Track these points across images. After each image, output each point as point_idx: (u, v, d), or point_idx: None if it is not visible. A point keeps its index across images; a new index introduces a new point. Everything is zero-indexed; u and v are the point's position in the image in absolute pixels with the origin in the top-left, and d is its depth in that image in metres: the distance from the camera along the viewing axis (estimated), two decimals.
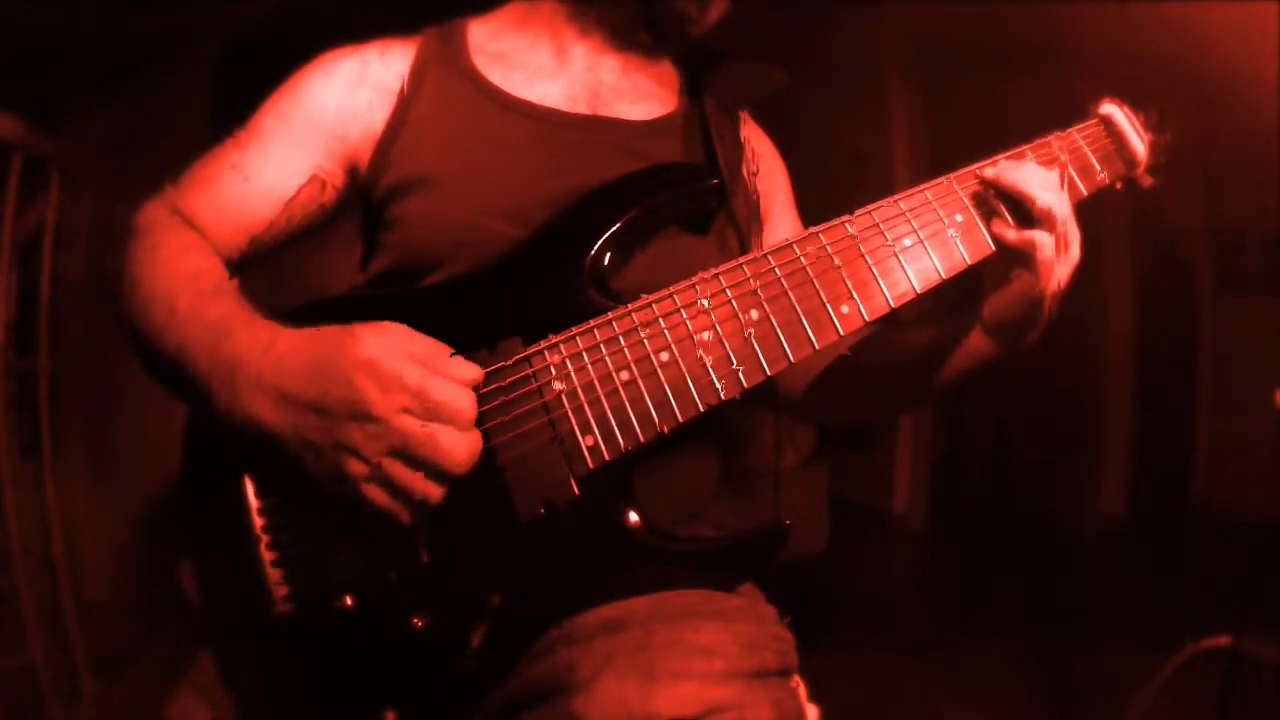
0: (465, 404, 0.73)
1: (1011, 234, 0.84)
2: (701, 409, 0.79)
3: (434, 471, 0.72)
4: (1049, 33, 3.14)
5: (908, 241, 0.84)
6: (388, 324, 0.75)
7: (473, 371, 0.75)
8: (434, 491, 0.73)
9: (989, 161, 0.88)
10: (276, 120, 0.94)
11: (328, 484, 0.74)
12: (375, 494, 0.73)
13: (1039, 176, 0.84)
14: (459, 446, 0.72)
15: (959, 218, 0.85)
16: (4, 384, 2.08)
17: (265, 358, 0.75)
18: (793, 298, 0.81)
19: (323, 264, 1.21)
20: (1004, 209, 0.85)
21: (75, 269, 2.41)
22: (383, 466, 0.71)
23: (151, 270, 0.84)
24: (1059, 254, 0.85)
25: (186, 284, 0.82)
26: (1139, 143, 0.93)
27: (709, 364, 0.79)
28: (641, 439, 0.78)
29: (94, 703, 2.15)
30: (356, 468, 0.72)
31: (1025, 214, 0.84)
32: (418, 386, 0.71)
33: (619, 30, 0.98)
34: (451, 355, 0.75)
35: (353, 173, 0.96)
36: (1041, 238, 0.82)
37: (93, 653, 2.21)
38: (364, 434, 0.71)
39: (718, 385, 0.79)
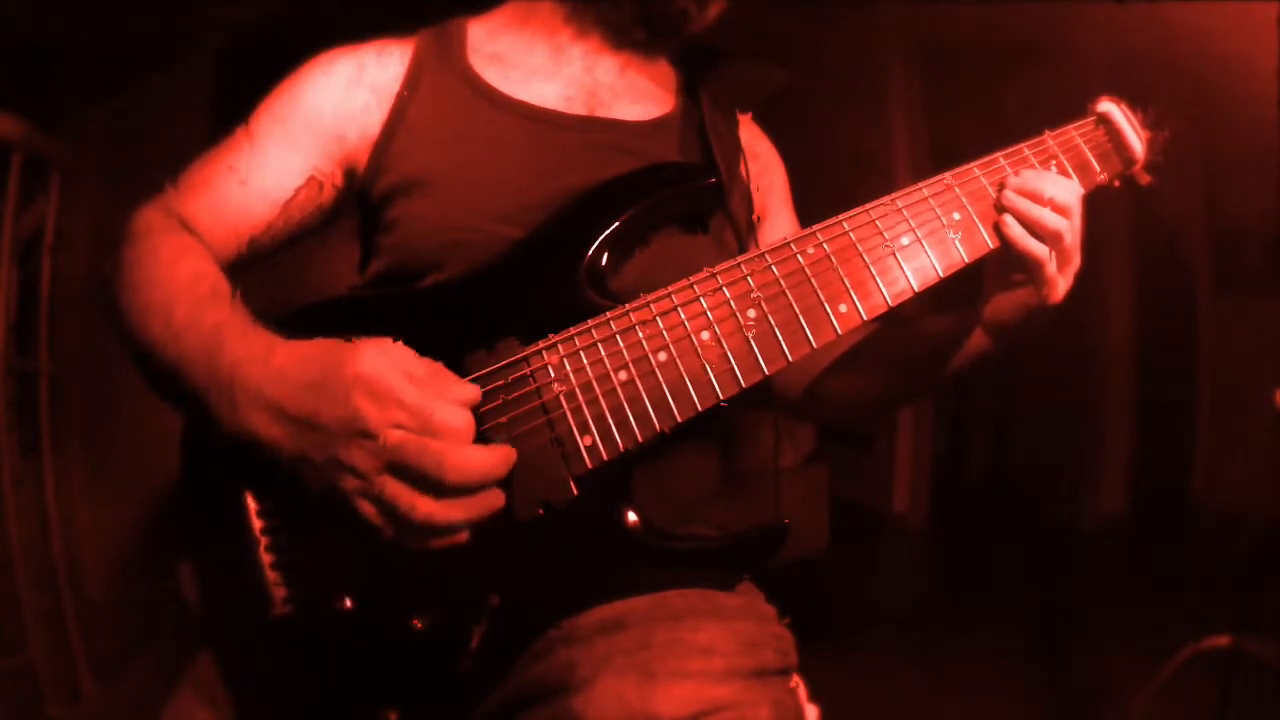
0: (462, 424, 0.72)
1: (1018, 245, 0.84)
2: (700, 409, 0.79)
3: (427, 484, 0.70)
4: (1049, 33, 3.15)
5: (905, 240, 0.84)
6: (387, 341, 0.74)
7: (471, 392, 0.74)
8: (425, 505, 0.71)
9: (987, 159, 0.89)
10: (273, 122, 0.94)
11: (322, 498, 0.73)
12: (367, 509, 0.72)
13: (1060, 192, 0.84)
14: (451, 453, 0.70)
15: (957, 216, 0.85)
16: (4, 384, 2.09)
17: (264, 370, 0.74)
18: (790, 297, 0.80)
19: (324, 264, 1.21)
20: (1009, 216, 0.85)
21: (75, 269, 2.41)
22: (376, 483, 0.70)
23: (149, 276, 0.84)
24: (1064, 267, 0.85)
25: (183, 292, 0.81)
26: (1136, 140, 0.93)
27: (707, 364, 0.79)
28: (640, 439, 0.78)
29: (94, 703, 2.16)
30: (350, 483, 0.71)
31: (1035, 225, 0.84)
32: (416, 405, 0.70)
33: (617, 29, 0.98)
34: (450, 375, 0.74)
35: (350, 174, 0.96)
36: (1049, 252, 0.83)
37: (93, 653, 2.21)
38: (360, 449, 0.70)
39: (715, 385, 0.79)
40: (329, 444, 0.71)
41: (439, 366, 0.75)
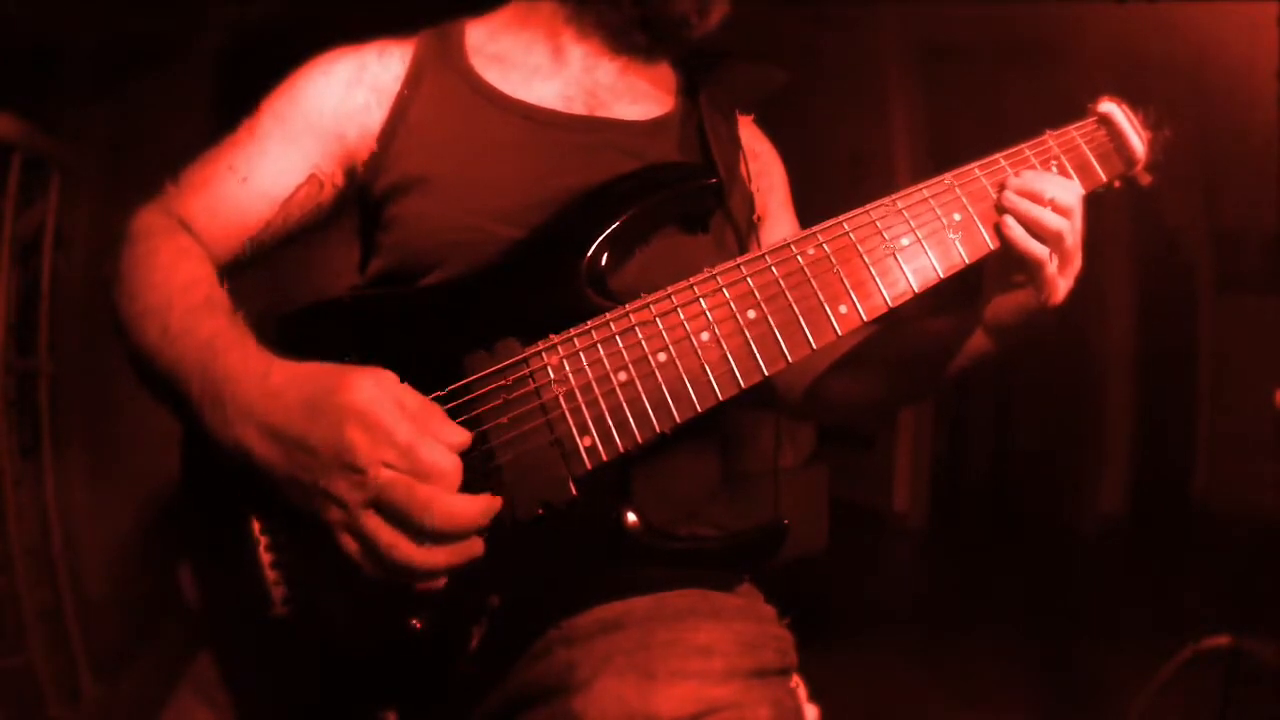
0: (450, 468, 0.71)
1: (1019, 246, 0.84)
2: (699, 409, 0.79)
3: (410, 526, 0.70)
4: (1049, 33, 3.14)
5: (905, 241, 0.83)
6: (383, 372, 0.74)
7: (462, 436, 0.74)
8: (405, 547, 0.70)
9: (988, 160, 0.89)
10: (274, 121, 0.94)
11: (306, 520, 0.73)
12: (348, 542, 0.71)
13: (1061, 193, 0.84)
14: (440, 499, 0.70)
15: (957, 217, 0.85)
16: (4, 384, 2.09)
17: (259, 388, 0.74)
18: (790, 298, 0.80)
19: (324, 264, 1.21)
20: (1010, 217, 0.84)
21: (75, 269, 2.41)
22: (358, 516, 0.70)
23: (146, 279, 0.84)
24: (1065, 268, 0.85)
25: (179, 296, 0.82)
26: (1138, 140, 0.93)
27: (706, 365, 0.79)
28: (639, 440, 0.78)
29: (94, 703, 2.16)
30: (334, 513, 0.71)
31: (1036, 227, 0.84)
32: (407, 444, 0.70)
33: (617, 32, 0.98)
34: (442, 414, 0.74)
35: (351, 173, 0.96)
36: (1050, 253, 0.83)
37: (93, 653, 2.21)
38: (346, 482, 0.70)
39: (715, 386, 0.79)
40: (317, 470, 0.71)
41: (431, 403, 0.74)
